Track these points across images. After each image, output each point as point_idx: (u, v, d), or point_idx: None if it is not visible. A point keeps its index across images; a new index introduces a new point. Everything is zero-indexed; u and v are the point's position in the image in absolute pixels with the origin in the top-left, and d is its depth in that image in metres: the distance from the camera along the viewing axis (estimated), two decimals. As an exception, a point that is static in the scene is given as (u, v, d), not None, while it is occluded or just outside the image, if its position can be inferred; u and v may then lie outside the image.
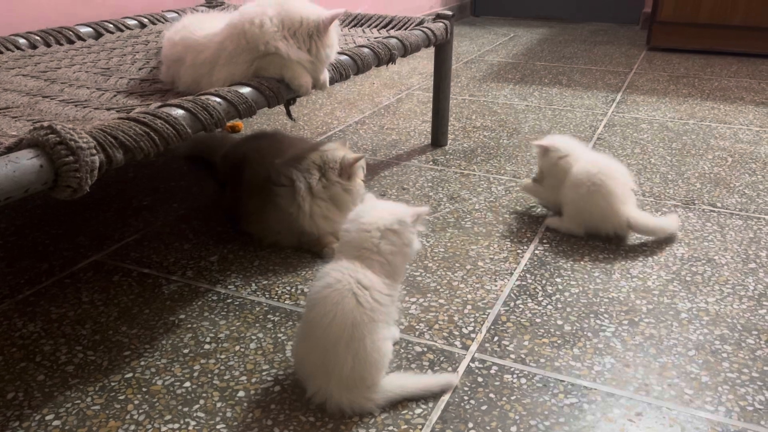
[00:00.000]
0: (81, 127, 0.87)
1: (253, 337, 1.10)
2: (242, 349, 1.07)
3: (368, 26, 1.91)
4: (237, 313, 1.17)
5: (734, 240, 1.44)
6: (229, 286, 1.26)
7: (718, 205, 1.62)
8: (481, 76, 2.91)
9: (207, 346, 1.08)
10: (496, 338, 1.11)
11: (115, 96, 1.22)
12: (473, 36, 3.91)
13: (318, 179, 1.33)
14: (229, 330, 1.12)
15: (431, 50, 1.91)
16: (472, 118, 2.30)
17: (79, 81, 1.32)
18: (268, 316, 1.16)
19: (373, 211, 0.98)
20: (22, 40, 1.57)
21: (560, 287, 1.26)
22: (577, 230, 1.44)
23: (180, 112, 1.00)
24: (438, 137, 2.03)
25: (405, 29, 1.80)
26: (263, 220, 1.39)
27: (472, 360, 1.05)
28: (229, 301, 1.21)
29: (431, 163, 1.89)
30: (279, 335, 1.11)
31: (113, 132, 0.89)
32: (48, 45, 1.60)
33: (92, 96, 1.22)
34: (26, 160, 0.79)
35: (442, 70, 1.94)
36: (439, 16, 1.86)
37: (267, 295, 1.23)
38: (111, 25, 1.77)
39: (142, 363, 1.04)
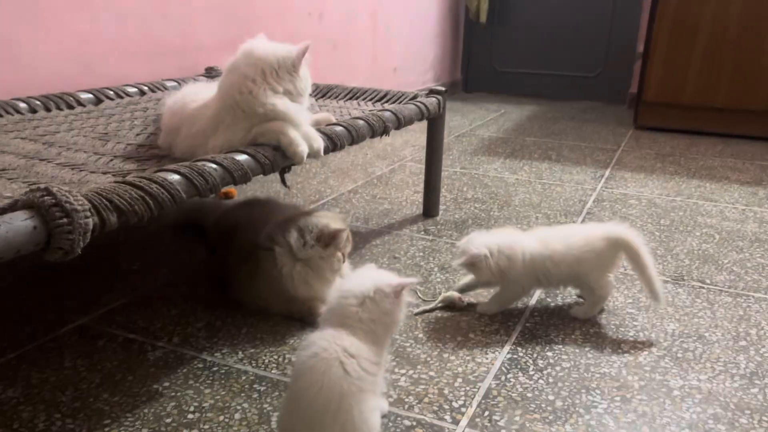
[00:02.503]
0: (77, 189, 0.87)
1: (238, 407, 1.07)
2: (226, 420, 1.04)
3: (363, 99, 1.96)
4: (222, 381, 1.15)
5: (724, 317, 1.44)
6: (216, 354, 1.23)
7: (707, 281, 1.62)
8: (472, 150, 2.98)
9: (190, 416, 1.05)
10: (486, 413, 1.08)
11: (111, 160, 1.24)
12: (465, 111, 4.02)
13: (297, 240, 1.32)
14: (213, 399, 1.10)
15: (424, 123, 1.96)
16: (464, 190, 2.33)
17: (77, 145, 1.34)
18: (254, 386, 1.14)
19: (356, 278, 0.98)
20: (22, 105, 1.59)
21: (551, 361, 1.25)
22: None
23: (176, 177, 1.02)
24: (429, 208, 2.05)
25: (399, 103, 1.85)
26: (251, 285, 1.38)
27: (462, 435, 1.03)
28: (215, 369, 1.18)
29: (423, 232, 1.90)
30: (265, 406, 1.08)
31: (108, 195, 0.89)
32: (48, 110, 1.63)
33: (89, 160, 1.23)
34: (20, 222, 0.79)
35: (435, 143, 1.98)
36: (432, 92, 1.92)
37: (254, 364, 1.20)
38: (111, 92, 1.81)
39: (123, 432, 1.01)
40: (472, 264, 1.35)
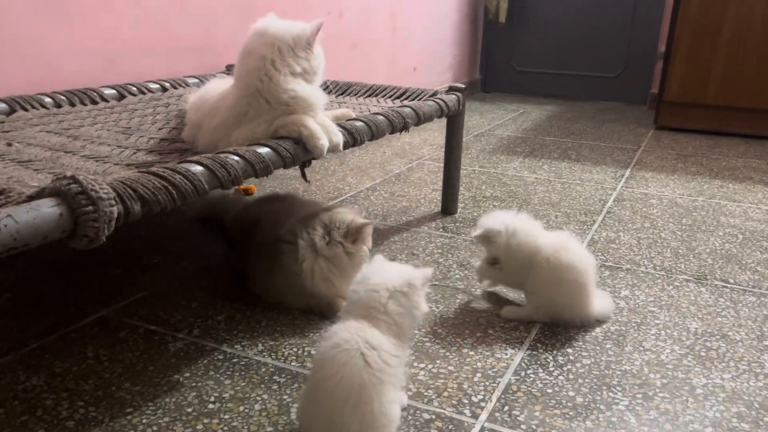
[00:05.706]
0: (102, 178, 0.88)
1: (258, 398, 1.08)
2: (246, 410, 1.05)
3: (383, 96, 1.96)
4: (242, 373, 1.15)
5: (748, 316, 1.42)
6: (236, 346, 1.24)
7: (731, 281, 1.60)
8: (490, 149, 2.96)
9: (211, 406, 1.06)
10: (506, 408, 1.08)
11: (135, 153, 1.25)
12: (483, 111, 4.00)
13: (321, 237, 1.32)
14: (233, 390, 1.10)
15: (442, 123, 1.96)
16: (482, 189, 2.33)
17: (100, 138, 1.35)
18: (274, 377, 1.14)
19: (381, 272, 0.98)
20: (47, 99, 1.61)
21: (572, 358, 1.24)
22: (543, 318, 1.36)
23: (199, 168, 1.02)
24: (448, 205, 2.05)
25: (419, 100, 1.85)
26: (269, 280, 1.39)
27: (482, 430, 1.02)
28: (235, 360, 1.19)
29: (441, 230, 1.90)
30: (284, 397, 1.09)
31: (133, 184, 0.90)
32: (72, 104, 1.65)
33: (113, 152, 1.25)
34: (47, 208, 0.80)
35: (454, 141, 1.97)
36: (451, 89, 1.91)
37: (273, 356, 1.21)
38: (134, 88, 1.83)
39: (144, 421, 1.01)
40: (487, 239, 1.37)
